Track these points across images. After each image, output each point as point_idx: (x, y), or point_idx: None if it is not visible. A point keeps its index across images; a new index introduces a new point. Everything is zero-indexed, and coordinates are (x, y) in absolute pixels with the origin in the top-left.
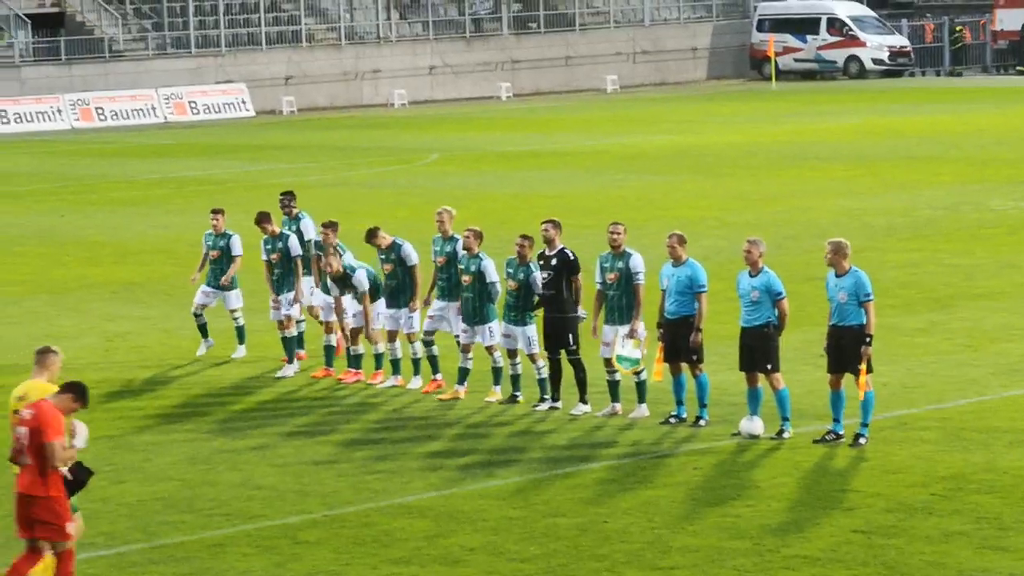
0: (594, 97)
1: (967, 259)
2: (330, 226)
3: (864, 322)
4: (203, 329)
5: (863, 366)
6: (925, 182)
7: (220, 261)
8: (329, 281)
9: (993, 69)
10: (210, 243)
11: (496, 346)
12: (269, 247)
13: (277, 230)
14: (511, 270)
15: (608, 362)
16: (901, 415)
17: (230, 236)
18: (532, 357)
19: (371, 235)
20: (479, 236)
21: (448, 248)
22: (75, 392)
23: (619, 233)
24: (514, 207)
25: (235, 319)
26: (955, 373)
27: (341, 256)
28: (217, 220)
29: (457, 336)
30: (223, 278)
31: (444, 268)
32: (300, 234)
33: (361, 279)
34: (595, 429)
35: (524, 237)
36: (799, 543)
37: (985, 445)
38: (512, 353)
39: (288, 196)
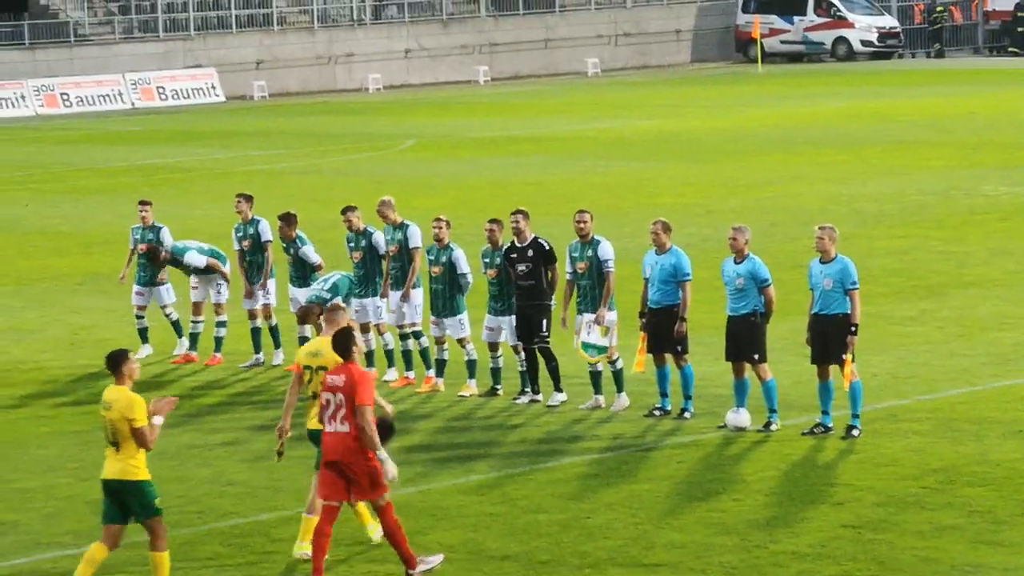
0: (575, 81)
1: (958, 246)
2: (286, 219)
3: (848, 311)
4: (143, 334)
5: (848, 356)
6: (915, 167)
7: (149, 255)
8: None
9: (985, 50)
10: (138, 236)
11: (468, 338)
12: (240, 234)
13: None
14: (487, 259)
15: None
16: (891, 406)
17: (160, 229)
18: (516, 348)
19: (348, 210)
20: (449, 225)
21: (399, 236)
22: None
23: (586, 221)
24: (493, 194)
25: (167, 315)
26: (946, 363)
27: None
28: (145, 212)
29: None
30: (160, 275)
31: (396, 257)
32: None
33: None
34: (576, 422)
35: (493, 221)
36: (787, 538)
37: (977, 437)
38: (493, 346)
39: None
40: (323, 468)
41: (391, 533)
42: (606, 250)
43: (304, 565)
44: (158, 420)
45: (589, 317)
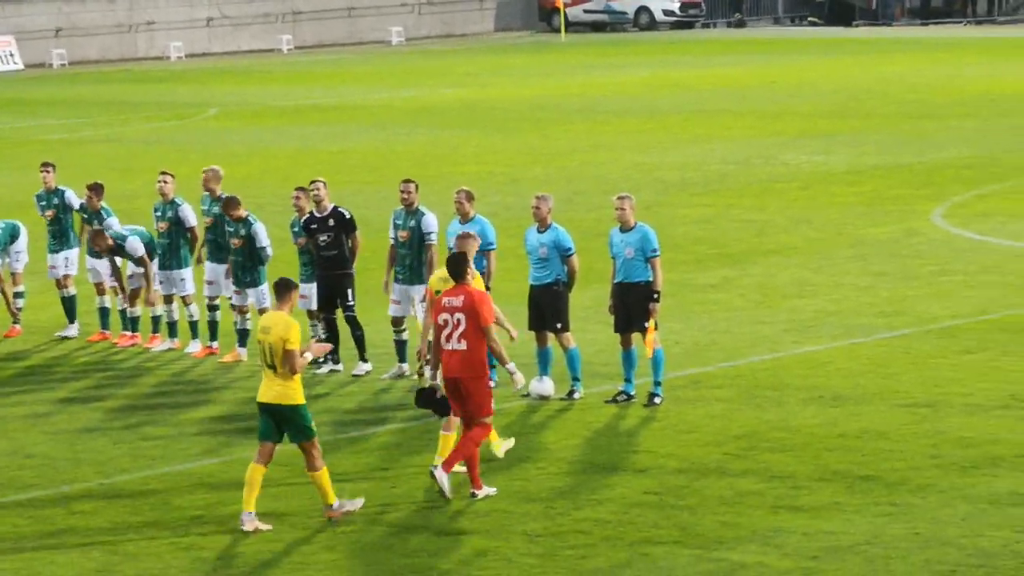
0: (378, 49)
1: (759, 214)
2: (95, 189)
3: (650, 279)
4: None
5: (650, 323)
6: (716, 136)
7: None
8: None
9: (786, 20)
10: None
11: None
12: (44, 203)
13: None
14: (296, 228)
15: (397, 321)
16: (694, 373)
17: None
18: (317, 316)
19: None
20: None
21: (216, 208)
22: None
23: (410, 192)
24: (297, 163)
25: None
26: (748, 330)
27: (107, 229)
28: None
29: (231, 298)
30: None
31: (212, 229)
32: None
33: (135, 246)
34: (381, 392)
35: (299, 189)
36: (590, 506)
37: (778, 403)
38: (310, 314)
39: None
40: (445, 385)
41: (472, 453)
42: (429, 222)
43: (107, 537)
44: (308, 356)
45: (417, 295)
